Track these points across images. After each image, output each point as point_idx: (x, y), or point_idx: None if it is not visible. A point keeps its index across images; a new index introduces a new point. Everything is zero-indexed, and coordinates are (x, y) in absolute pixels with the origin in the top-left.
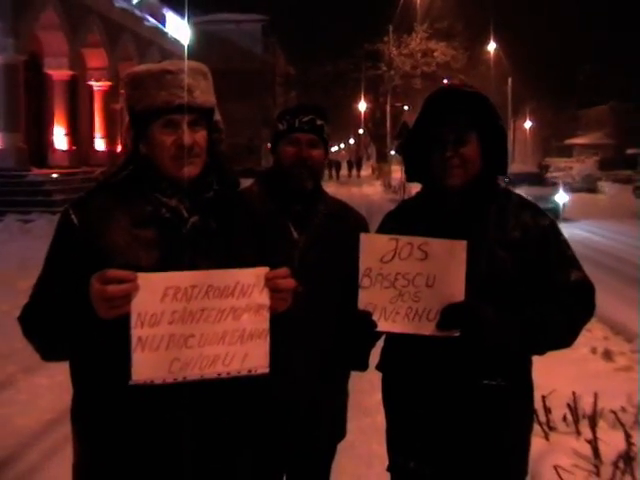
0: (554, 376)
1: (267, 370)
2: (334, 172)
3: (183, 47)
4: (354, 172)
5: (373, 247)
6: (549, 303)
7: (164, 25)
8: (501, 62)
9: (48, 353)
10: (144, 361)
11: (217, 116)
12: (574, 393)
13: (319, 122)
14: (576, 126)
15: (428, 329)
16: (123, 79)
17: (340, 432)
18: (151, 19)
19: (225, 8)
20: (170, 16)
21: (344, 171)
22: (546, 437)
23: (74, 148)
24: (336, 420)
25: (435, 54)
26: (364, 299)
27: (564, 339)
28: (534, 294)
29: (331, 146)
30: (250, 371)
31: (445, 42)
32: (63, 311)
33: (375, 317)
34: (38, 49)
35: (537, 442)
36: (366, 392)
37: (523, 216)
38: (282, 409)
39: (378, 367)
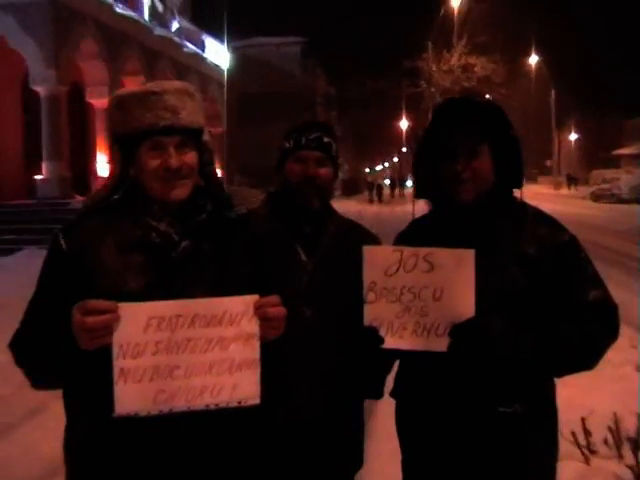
0: (594, 396)
1: (258, 401)
2: (376, 195)
3: (223, 72)
4: (397, 191)
5: (377, 260)
6: (566, 323)
7: (203, 51)
8: (543, 74)
9: (36, 381)
10: (127, 393)
11: (206, 136)
12: (615, 414)
13: (326, 139)
14: (622, 137)
15: (437, 345)
16: (109, 102)
17: (357, 461)
18: (190, 45)
19: (264, 32)
20: (209, 42)
21: (386, 190)
22: (586, 461)
23: None
24: (350, 448)
25: (475, 69)
26: (370, 314)
27: (583, 360)
28: (550, 313)
29: (377, 164)
30: (240, 402)
31: (485, 56)
32: (49, 339)
33: (382, 333)
34: (79, 79)
35: (576, 466)
36: None
37: (539, 231)
38: (289, 436)
39: (392, 394)
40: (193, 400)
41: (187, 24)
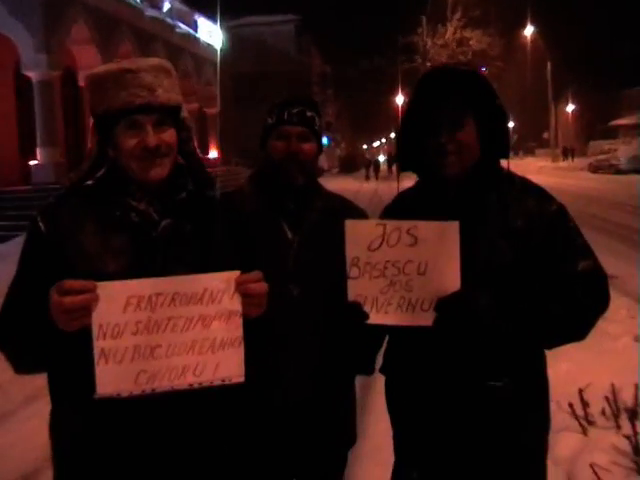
0: (592, 367)
1: (242, 379)
2: (373, 172)
3: (216, 52)
4: (394, 168)
5: (359, 234)
6: (555, 294)
7: (196, 31)
8: (539, 46)
9: (19, 365)
10: (108, 374)
11: (184, 114)
12: (613, 385)
13: (309, 114)
14: (620, 107)
15: (423, 320)
16: (84, 82)
17: (349, 438)
18: (182, 26)
19: (257, 10)
20: (202, 22)
21: (384, 166)
22: (584, 432)
23: None
24: (342, 425)
25: (470, 42)
26: (353, 290)
27: (573, 331)
28: (539, 285)
29: (375, 141)
30: (224, 381)
31: (480, 30)
32: (30, 322)
33: (366, 309)
34: (72, 63)
35: (574, 438)
36: None
37: (527, 202)
38: (278, 416)
39: (381, 370)
40: (176, 380)
41: (179, 4)
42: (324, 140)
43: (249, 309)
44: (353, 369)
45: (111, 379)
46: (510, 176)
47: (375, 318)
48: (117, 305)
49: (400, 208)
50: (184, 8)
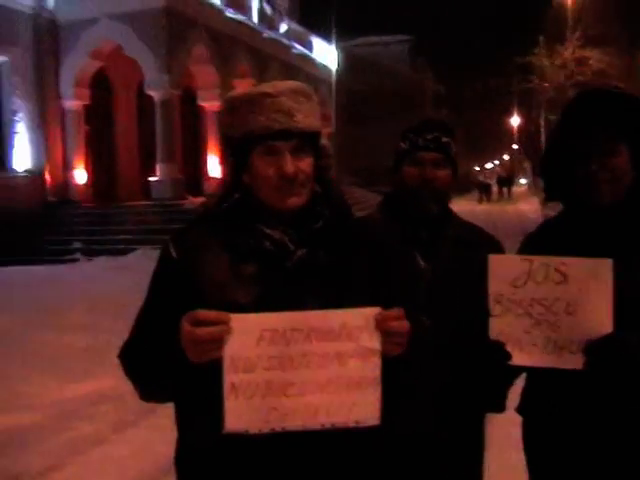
0: None
1: (378, 422)
2: (484, 195)
3: (330, 72)
4: (505, 190)
5: (503, 269)
6: None
7: (311, 51)
8: None
9: (145, 394)
10: (238, 409)
11: (324, 141)
12: None
13: (445, 139)
14: None
15: (571, 363)
16: (221, 105)
17: (475, 476)
18: (298, 46)
19: (371, 31)
20: (317, 42)
21: (495, 189)
22: None
23: None
24: (468, 463)
25: (590, 62)
26: (496, 328)
27: None
28: None
29: (487, 162)
30: (358, 423)
31: (600, 48)
32: (158, 351)
33: (509, 348)
34: (191, 82)
35: None
36: None
37: None
38: (405, 452)
39: (518, 410)
40: (308, 419)
41: (295, 25)
42: None
43: (389, 348)
44: (485, 406)
45: (241, 415)
46: None
47: (519, 359)
48: (250, 338)
49: (545, 238)
50: (300, 29)
